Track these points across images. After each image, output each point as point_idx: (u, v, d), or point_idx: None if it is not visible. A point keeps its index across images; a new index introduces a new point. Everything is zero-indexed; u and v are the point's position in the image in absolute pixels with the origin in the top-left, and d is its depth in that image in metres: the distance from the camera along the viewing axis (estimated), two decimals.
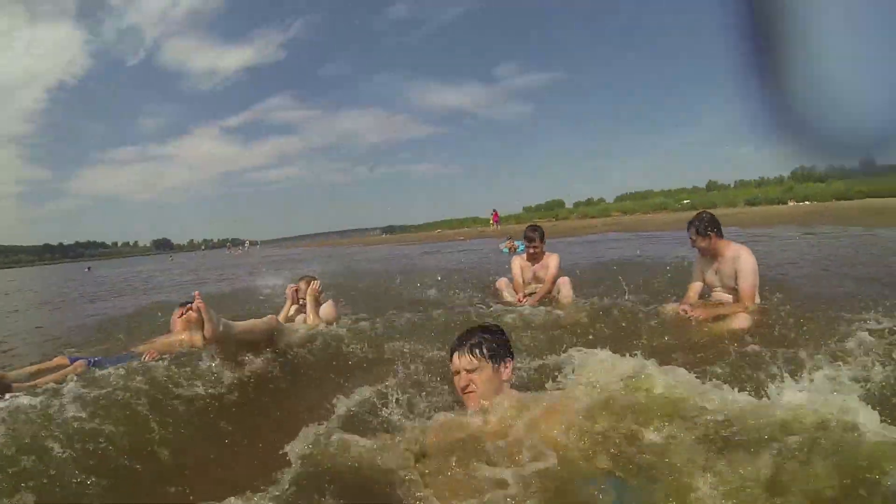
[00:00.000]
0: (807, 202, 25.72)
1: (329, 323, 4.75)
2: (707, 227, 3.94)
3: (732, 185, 41.93)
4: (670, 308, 4.09)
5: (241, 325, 3.64)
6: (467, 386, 2.19)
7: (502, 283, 5.64)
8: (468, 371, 2.20)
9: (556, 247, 5.85)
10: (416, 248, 23.65)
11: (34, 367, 3.88)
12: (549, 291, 5.18)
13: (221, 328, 3.41)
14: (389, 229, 77.12)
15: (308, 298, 4.74)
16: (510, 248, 15.40)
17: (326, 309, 4.91)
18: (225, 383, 3.14)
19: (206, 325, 3.36)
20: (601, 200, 51.51)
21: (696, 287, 4.20)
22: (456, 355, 2.25)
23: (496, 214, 42.09)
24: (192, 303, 3.54)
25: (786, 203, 26.59)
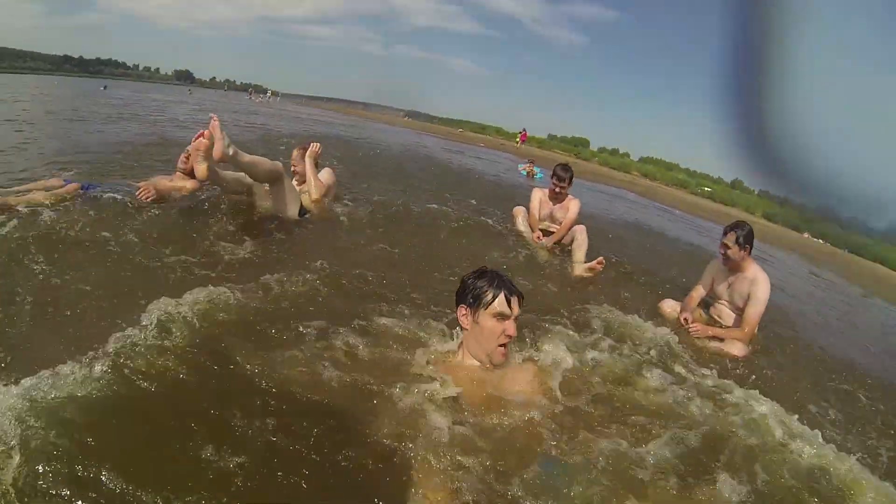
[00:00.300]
0: (821, 241, 25.53)
1: (327, 193, 4.71)
2: (748, 240, 3.75)
3: (756, 192, 41.37)
4: (669, 307, 4.11)
5: (248, 156, 3.64)
6: (513, 337, 2.05)
7: (519, 211, 5.52)
8: (515, 319, 2.06)
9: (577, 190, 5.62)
10: (438, 142, 23.22)
11: (24, 187, 3.80)
12: (564, 236, 5.14)
13: (231, 151, 3.40)
14: (413, 113, 75.43)
15: (307, 161, 4.62)
16: (529, 172, 15.15)
17: (325, 175, 4.81)
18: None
19: (216, 145, 3.37)
20: (626, 154, 50.50)
21: (699, 291, 4.08)
22: (514, 300, 2.06)
23: (524, 135, 41.13)
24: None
25: (801, 233, 26.36)
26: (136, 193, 3.84)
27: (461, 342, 2.17)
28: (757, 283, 3.75)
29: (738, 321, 3.84)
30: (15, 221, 3.05)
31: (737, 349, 3.59)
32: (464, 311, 2.10)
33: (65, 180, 3.92)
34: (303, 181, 4.69)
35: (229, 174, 4.03)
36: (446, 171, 10.84)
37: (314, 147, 4.68)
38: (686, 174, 42.39)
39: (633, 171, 40.56)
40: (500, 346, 2.02)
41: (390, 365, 2.14)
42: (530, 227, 5.36)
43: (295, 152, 4.83)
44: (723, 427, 2.05)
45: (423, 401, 1.81)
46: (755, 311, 3.72)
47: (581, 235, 4.93)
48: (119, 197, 3.73)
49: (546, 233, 5.27)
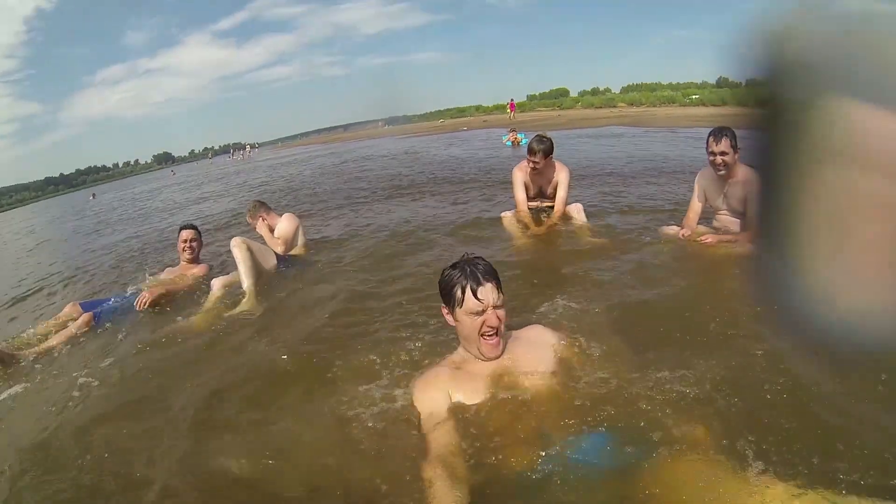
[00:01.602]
0: None
1: (291, 241, 4.68)
2: (737, 140, 3.50)
3: (744, 84, 40.43)
4: (671, 231, 4.01)
5: (243, 280, 3.82)
6: (497, 327, 1.90)
7: (505, 216, 4.92)
8: (496, 307, 1.90)
9: (562, 142, 5.30)
10: (420, 142, 23.18)
11: (42, 327, 3.90)
12: (560, 216, 4.69)
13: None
14: (392, 120, 76.20)
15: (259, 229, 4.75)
16: (513, 141, 15.05)
17: (284, 225, 4.74)
18: None
19: None
20: (607, 90, 50.22)
21: (696, 208, 3.96)
22: (485, 289, 1.88)
23: (513, 104, 41.76)
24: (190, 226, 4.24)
25: None
26: (136, 305, 3.94)
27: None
28: (751, 182, 3.37)
29: (744, 224, 3.73)
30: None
31: (747, 248, 3.47)
32: (446, 311, 2.01)
33: (81, 305, 4.02)
34: (270, 231, 4.72)
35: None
36: (436, 169, 10.81)
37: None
38: (670, 89, 41.89)
39: (619, 103, 40.17)
40: (486, 337, 1.90)
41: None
42: (518, 211, 4.84)
43: (248, 218, 4.90)
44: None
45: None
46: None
47: (579, 215, 4.67)
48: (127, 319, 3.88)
49: (537, 209, 4.86)
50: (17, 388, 2.95)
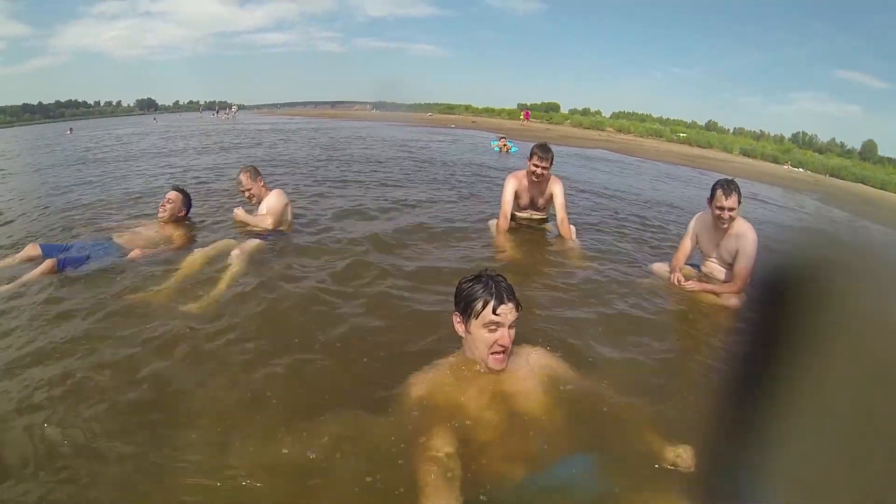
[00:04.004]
0: (801, 169, 25.64)
1: (281, 218, 4.55)
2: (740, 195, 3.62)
3: (731, 131, 41.66)
4: (659, 269, 4.06)
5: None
6: (508, 346, 1.94)
7: (491, 224, 4.91)
8: (510, 327, 1.94)
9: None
10: (410, 132, 23.02)
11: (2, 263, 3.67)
12: (566, 224, 4.62)
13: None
14: (380, 105, 76.02)
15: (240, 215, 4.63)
16: (502, 148, 15.10)
17: (273, 199, 4.59)
18: None
19: None
20: (598, 112, 50.80)
21: (685, 249, 4.00)
22: (506, 307, 1.91)
23: (528, 113, 43.80)
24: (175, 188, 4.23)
25: (781, 164, 26.45)
26: (130, 256, 3.77)
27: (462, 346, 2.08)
28: (744, 237, 3.67)
29: (730, 276, 3.80)
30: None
31: (731, 302, 3.60)
32: (458, 319, 2.02)
33: (41, 246, 3.78)
34: (257, 202, 4.61)
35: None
36: (424, 164, 10.72)
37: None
38: (659, 122, 42.68)
39: (607, 127, 40.77)
40: (495, 353, 1.93)
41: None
42: (500, 221, 4.71)
43: (242, 176, 4.65)
44: None
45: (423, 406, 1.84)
46: (745, 265, 3.66)
47: (573, 237, 4.63)
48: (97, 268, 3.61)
49: (527, 220, 4.87)
50: None
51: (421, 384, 1.93)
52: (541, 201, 4.80)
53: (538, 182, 4.65)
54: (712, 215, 3.75)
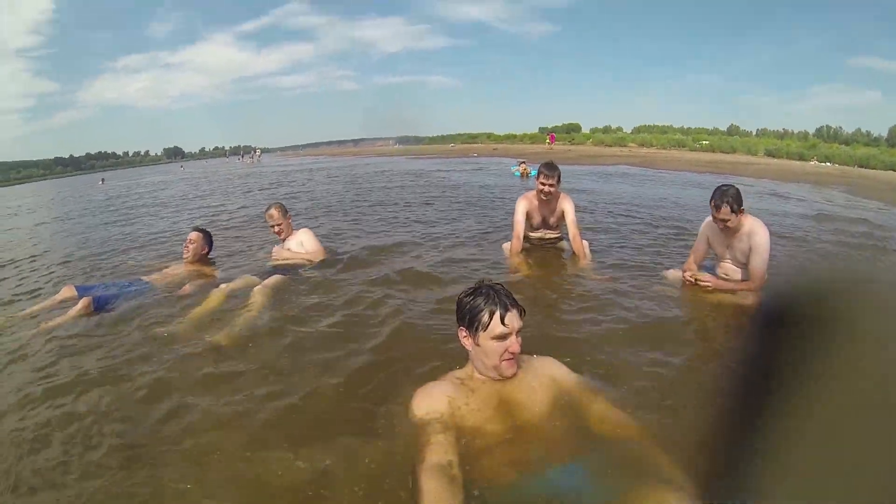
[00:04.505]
0: (828, 163, 25.09)
1: (311, 259, 4.75)
2: (739, 201, 3.58)
3: (754, 133, 41.13)
4: (673, 274, 4.09)
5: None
6: (517, 352, 1.97)
7: (506, 247, 5.00)
8: (518, 333, 1.97)
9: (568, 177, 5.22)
10: (432, 164, 23.60)
11: (37, 307, 3.96)
12: (579, 241, 4.63)
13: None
14: (403, 140, 78.16)
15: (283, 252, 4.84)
16: (522, 173, 15.17)
17: (309, 238, 4.88)
18: None
19: None
20: (619, 129, 50.78)
21: (698, 252, 4.00)
22: (512, 315, 1.95)
23: (553, 137, 44.62)
24: (196, 228, 4.42)
25: (807, 160, 25.92)
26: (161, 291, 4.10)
27: (469, 359, 2.09)
28: (755, 235, 3.65)
29: (746, 274, 3.76)
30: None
31: (748, 300, 3.56)
32: (464, 334, 2.03)
33: (77, 289, 4.06)
34: (284, 238, 4.83)
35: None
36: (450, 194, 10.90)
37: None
38: (681, 133, 42.37)
39: (630, 143, 40.63)
40: (506, 360, 1.94)
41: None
42: (514, 241, 4.74)
43: (273, 210, 4.82)
44: None
45: (431, 419, 1.84)
46: (759, 262, 3.63)
47: (586, 252, 4.67)
48: (130, 305, 3.87)
49: (541, 240, 4.92)
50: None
51: (425, 395, 1.95)
52: (552, 220, 4.84)
53: (548, 201, 4.69)
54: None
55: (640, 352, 2.80)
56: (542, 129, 55.25)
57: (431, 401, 1.91)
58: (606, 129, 51.44)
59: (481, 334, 1.95)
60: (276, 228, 4.81)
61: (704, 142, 35.16)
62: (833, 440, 0.67)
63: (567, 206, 4.72)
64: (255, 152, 55.92)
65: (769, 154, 28.17)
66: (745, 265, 3.79)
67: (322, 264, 4.69)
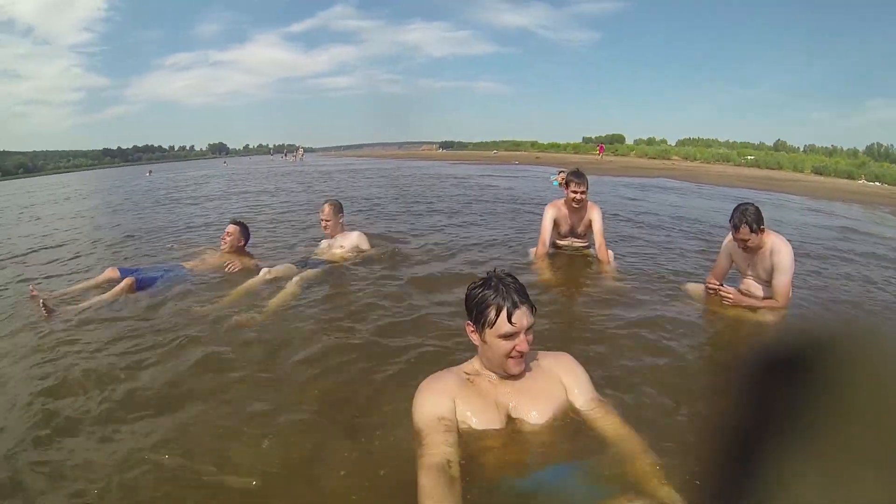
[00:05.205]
0: (877, 183, 24.25)
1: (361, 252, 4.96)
2: (759, 220, 3.54)
3: (801, 149, 39.99)
4: (693, 288, 4.09)
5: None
6: (525, 351, 1.86)
7: (532, 251, 5.06)
8: (527, 331, 1.85)
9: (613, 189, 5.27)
10: (474, 170, 23.82)
11: (82, 285, 4.29)
12: (605, 250, 4.73)
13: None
14: (447, 144, 79.29)
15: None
16: (561, 182, 15.15)
17: (364, 241, 5.08)
18: None
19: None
20: (663, 141, 50.03)
21: (720, 267, 3.97)
22: (521, 312, 1.82)
23: (602, 147, 45.85)
24: (233, 221, 4.73)
25: (856, 179, 25.09)
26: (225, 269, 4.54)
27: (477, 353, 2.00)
28: (777, 252, 3.62)
29: (769, 291, 3.73)
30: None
31: (768, 318, 3.56)
32: (471, 328, 1.93)
33: (120, 270, 4.36)
34: (331, 235, 5.06)
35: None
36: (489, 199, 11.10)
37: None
38: (726, 147, 41.59)
39: (673, 156, 40.05)
40: (513, 359, 1.85)
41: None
42: (539, 248, 4.85)
43: (327, 206, 5.04)
44: None
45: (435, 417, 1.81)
46: (783, 281, 3.62)
47: (611, 261, 4.74)
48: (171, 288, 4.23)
49: (570, 248, 4.96)
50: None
51: (429, 392, 1.89)
52: (580, 228, 4.89)
53: (577, 209, 4.76)
54: None
55: (651, 359, 2.86)
56: (585, 139, 54.96)
57: (435, 398, 1.85)
58: (651, 141, 50.78)
59: (487, 331, 1.85)
60: (325, 224, 5.03)
61: (750, 157, 34.41)
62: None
63: (595, 215, 4.79)
64: (298, 151, 56.50)
65: (816, 171, 27.35)
66: (767, 283, 3.76)
67: (364, 262, 4.85)
